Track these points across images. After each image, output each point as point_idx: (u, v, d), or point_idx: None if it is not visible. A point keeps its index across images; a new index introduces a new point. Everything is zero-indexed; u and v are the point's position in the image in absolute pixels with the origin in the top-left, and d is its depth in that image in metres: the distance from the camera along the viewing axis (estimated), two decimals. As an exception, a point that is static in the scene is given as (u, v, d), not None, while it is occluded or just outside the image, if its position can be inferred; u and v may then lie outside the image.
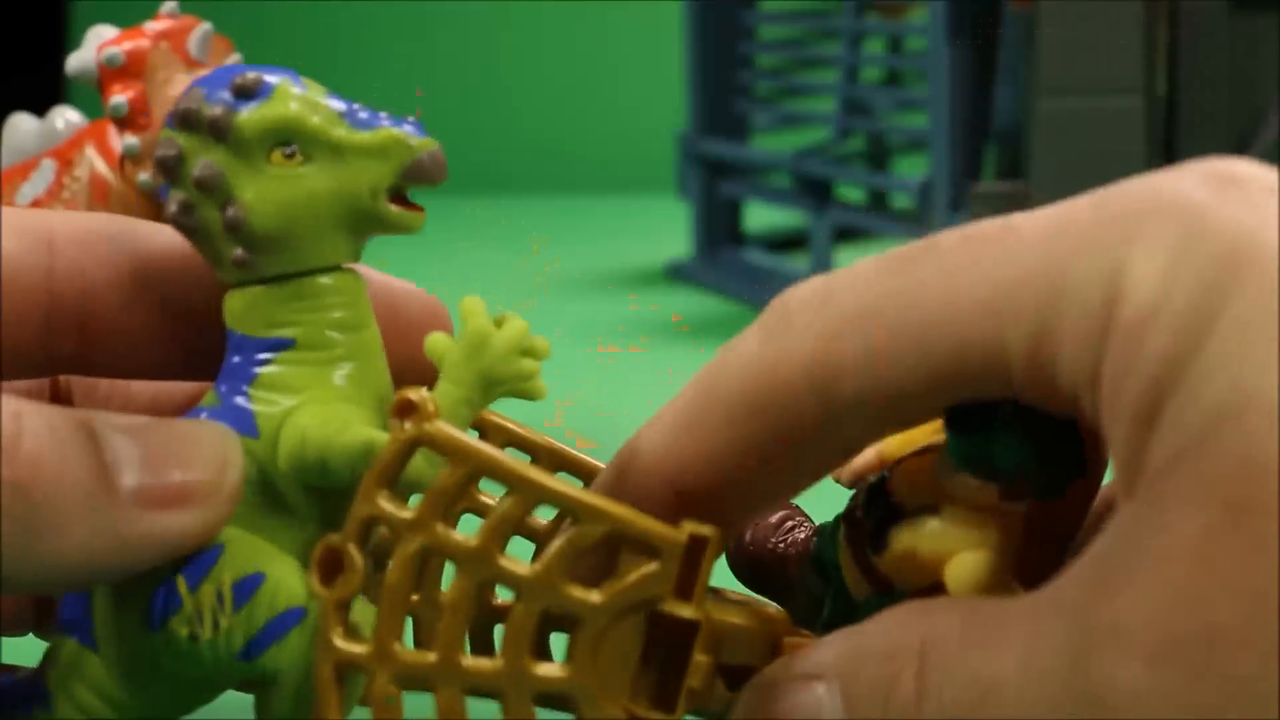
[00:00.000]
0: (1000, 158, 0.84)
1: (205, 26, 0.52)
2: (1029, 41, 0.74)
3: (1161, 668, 0.20)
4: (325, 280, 0.28)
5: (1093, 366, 0.21)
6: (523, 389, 0.27)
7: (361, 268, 0.29)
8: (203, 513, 0.26)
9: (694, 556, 0.25)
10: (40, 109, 0.56)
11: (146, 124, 0.51)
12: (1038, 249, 0.22)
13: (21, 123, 0.54)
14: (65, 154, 0.53)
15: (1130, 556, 0.21)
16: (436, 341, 0.27)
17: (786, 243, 1.09)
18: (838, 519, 0.30)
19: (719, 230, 1.02)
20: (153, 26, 0.52)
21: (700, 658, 0.26)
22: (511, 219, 1.33)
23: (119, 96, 0.51)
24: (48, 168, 0.53)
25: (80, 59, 0.52)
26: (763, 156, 0.97)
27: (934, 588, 0.27)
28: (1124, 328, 0.21)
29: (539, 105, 1.54)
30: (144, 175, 0.51)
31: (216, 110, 0.27)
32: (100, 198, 0.52)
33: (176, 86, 0.51)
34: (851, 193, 1.09)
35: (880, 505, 0.28)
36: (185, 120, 0.27)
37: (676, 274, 1.01)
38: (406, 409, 0.25)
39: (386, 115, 0.28)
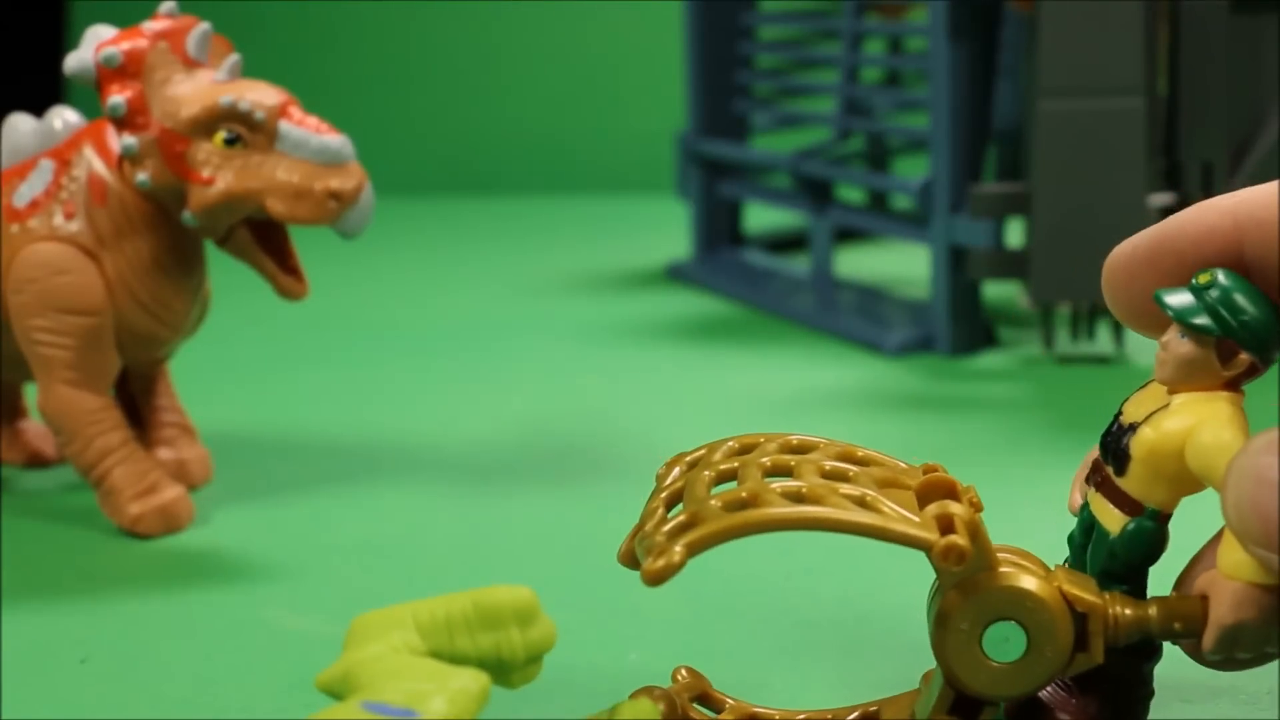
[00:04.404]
0: (1000, 158, 0.84)
1: (204, 26, 0.52)
2: (1029, 41, 0.74)
3: None
4: None
5: None
6: None
7: None
8: None
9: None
10: (38, 109, 0.56)
11: (145, 124, 0.51)
12: None
13: (20, 123, 0.54)
14: (63, 154, 0.53)
15: None
16: None
17: (786, 243, 1.09)
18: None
19: (719, 231, 1.02)
20: (151, 26, 0.52)
21: None
22: (511, 219, 1.33)
23: (117, 96, 0.50)
24: (46, 168, 0.53)
25: (78, 59, 0.51)
26: (762, 157, 0.97)
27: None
28: None
29: (539, 105, 1.54)
30: (142, 175, 0.51)
31: None
32: (98, 198, 0.52)
33: (175, 87, 0.51)
34: (851, 193, 1.09)
35: (1114, 436, 0.31)
36: None
37: (676, 274, 1.01)
38: None
39: None
